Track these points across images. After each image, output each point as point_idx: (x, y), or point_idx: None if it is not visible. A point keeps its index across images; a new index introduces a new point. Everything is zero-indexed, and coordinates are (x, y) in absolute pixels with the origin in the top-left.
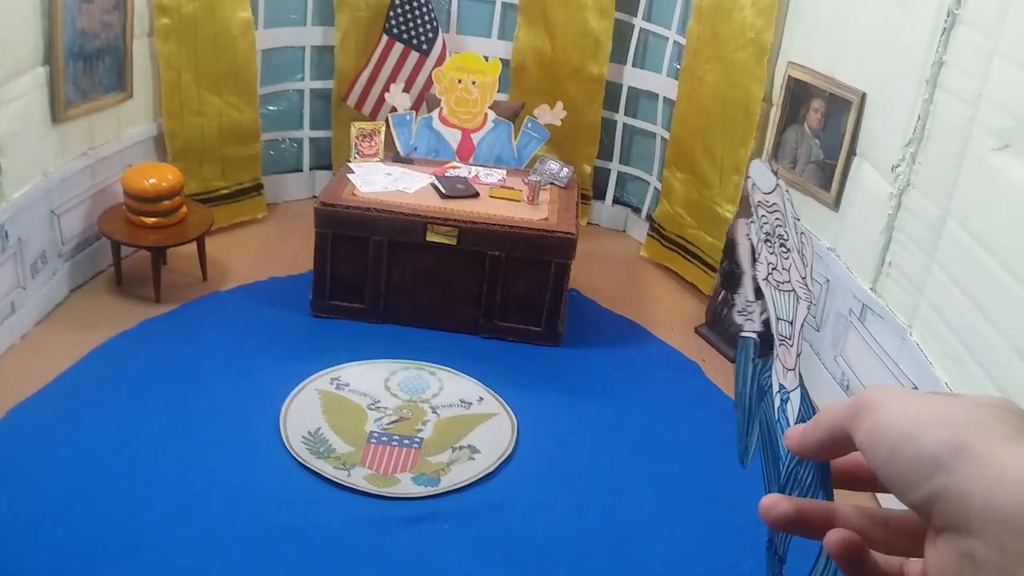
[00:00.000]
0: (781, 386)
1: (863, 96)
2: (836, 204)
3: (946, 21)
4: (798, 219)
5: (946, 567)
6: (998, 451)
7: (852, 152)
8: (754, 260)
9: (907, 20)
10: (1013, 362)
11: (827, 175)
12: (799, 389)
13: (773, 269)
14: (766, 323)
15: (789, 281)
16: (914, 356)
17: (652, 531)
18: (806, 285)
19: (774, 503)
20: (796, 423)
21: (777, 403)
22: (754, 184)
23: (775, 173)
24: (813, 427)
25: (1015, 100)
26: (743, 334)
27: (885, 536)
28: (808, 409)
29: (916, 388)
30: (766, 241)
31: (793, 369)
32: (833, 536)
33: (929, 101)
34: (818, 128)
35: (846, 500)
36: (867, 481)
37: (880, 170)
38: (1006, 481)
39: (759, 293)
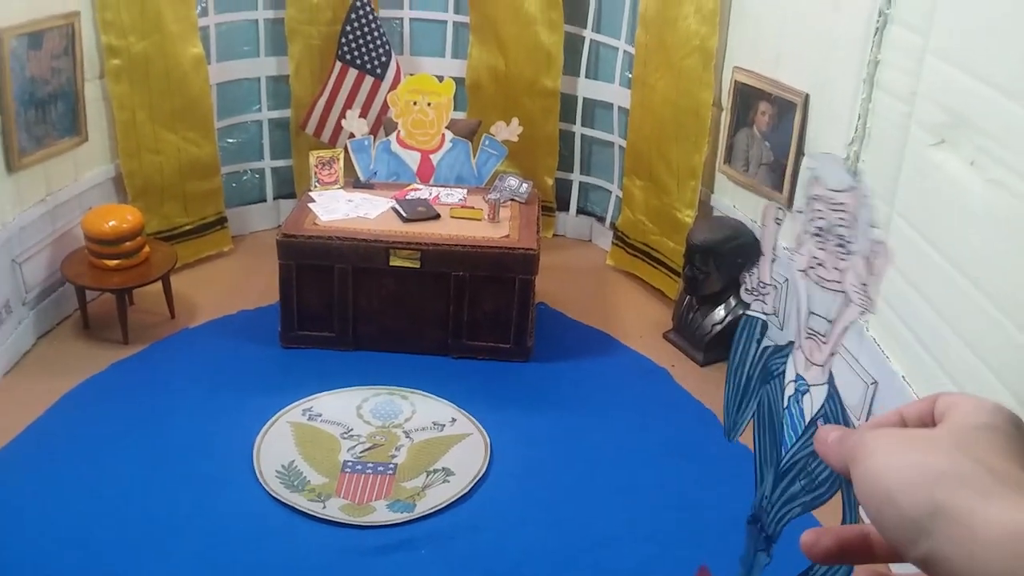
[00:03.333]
0: (799, 377)
1: (806, 97)
2: (789, 204)
3: (878, 21)
4: (875, 227)
5: None
6: (973, 508)
7: (801, 152)
8: (781, 247)
9: (841, 21)
10: (962, 353)
11: (778, 176)
12: (826, 387)
13: (819, 264)
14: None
15: (841, 282)
16: (872, 351)
17: (626, 539)
18: (866, 292)
19: (815, 540)
20: (815, 419)
21: (790, 391)
22: (818, 178)
23: (855, 175)
24: (838, 448)
25: (947, 95)
26: (749, 312)
27: None
28: (835, 408)
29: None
30: (816, 235)
31: (822, 366)
32: (862, 572)
33: (868, 100)
34: (767, 130)
35: None
36: None
37: None
38: (987, 543)
39: (774, 277)
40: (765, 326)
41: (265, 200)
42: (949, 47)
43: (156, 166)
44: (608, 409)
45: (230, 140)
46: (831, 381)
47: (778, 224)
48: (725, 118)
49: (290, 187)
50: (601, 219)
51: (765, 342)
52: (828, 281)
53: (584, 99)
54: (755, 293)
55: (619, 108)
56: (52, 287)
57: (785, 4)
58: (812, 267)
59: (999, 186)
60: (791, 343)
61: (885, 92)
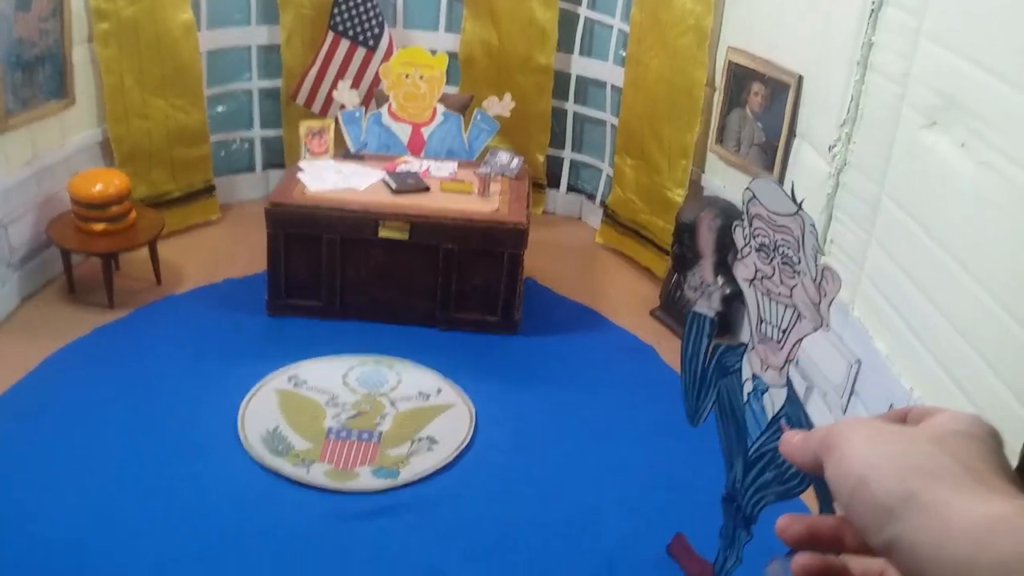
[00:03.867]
0: (756, 377)
1: (800, 78)
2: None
3: (874, 2)
4: (821, 254)
5: None
6: (946, 500)
7: (792, 134)
8: (720, 253)
9: (836, 3)
10: (948, 334)
11: (769, 157)
12: (786, 390)
13: (763, 277)
14: (727, 305)
15: (790, 297)
16: (857, 331)
17: (609, 514)
18: (818, 311)
19: (788, 524)
20: (777, 418)
21: (748, 388)
22: (755, 197)
23: (798, 204)
24: (803, 446)
25: (940, 78)
26: (699, 310)
27: None
28: (796, 412)
29: (857, 363)
30: (759, 250)
31: (780, 370)
32: (799, 559)
33: (861, 82)
34: (760, 111)
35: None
36: None
37: (819, 150)
38: (954, 533)
39: (719, 275)
40: (713, 322)
41: (254, 170)
42: (943, 30)
43: (144, 132)
44: (594, 385)
45: (220, 108)
46: (790, 385)
47: (713, 233)
48: (718, 98)
49: (279, 157)
50: (591, 197)
51: (713, 338)
52: (776, 294)
53: (577, 76)
54: (699, 291)
55: (612, 86)
56: (37, 249)
57: None
58: (758, 279)
59: (990, 169)
60: (744, 344)
61: (878, 74)
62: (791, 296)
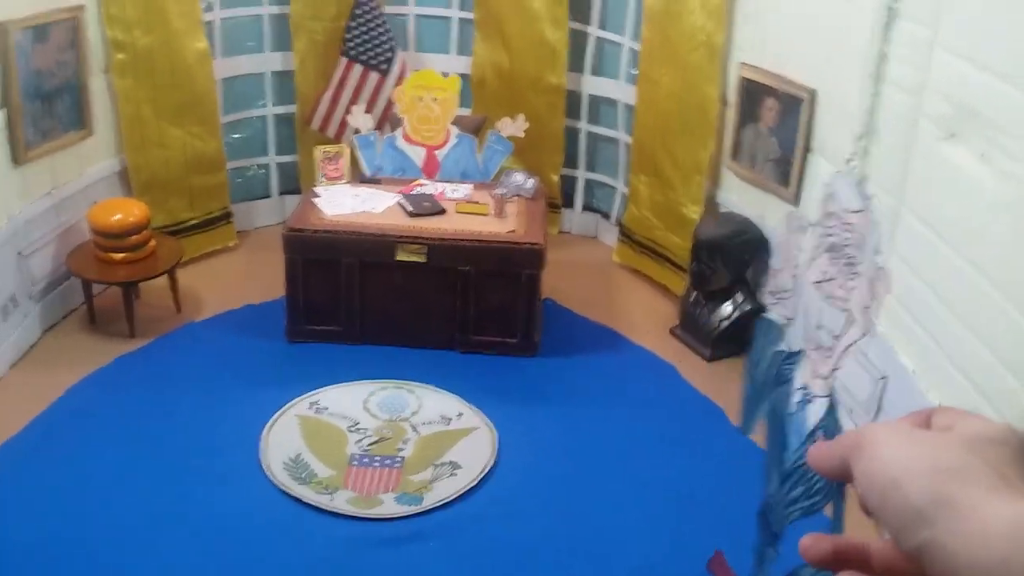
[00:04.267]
0: (806, 386)
1: (813, 93)
2: (796, 200)
3: (886, 15)
4: (879, 252)
5: None
6: (980, 502)
7: (807, 148)
8: (801, 255)
9: (849, 16)
10: (974, 347)
11: (785, 172)
12: (828, 400)
13: (829, 279)
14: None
15: (847, 301)
16: (881, 346)
17: (634, 533)
18: (867, 314)
19: (814, 542)
20: (815, 430)
21: (797, 398)
22: (834, 195)
23: (868, 198)
24: (830, 452)
25: (956, 89)
26: (769, 316)
27: (917, 570)
28: (832, 423)
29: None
30: (828, 251)
31: (826, 379)
32: None
33: (876, 95)
34: (774, 126)
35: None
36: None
37: (835, 164)
38: (988, 536)
39: (797, 283)
40: (781, 329)
41: (270, 195)
42: (958, 40)
43: (162, 160)
44: (616, 404)
45: (235, 135)
46: (833, 397)
47: (799, 232)
48: (731, 114)
49: (295, 182)
50: (606, 215)
51: (781, 346)
52: (836, 299)
53: (589, 96)
54: (775, 297)
55: (624, 105)
56: (58, 280)
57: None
58: (823, 281)
59: (1010, 178)
60: (801, 351)
61: (893, 86)
62: (848, 299)
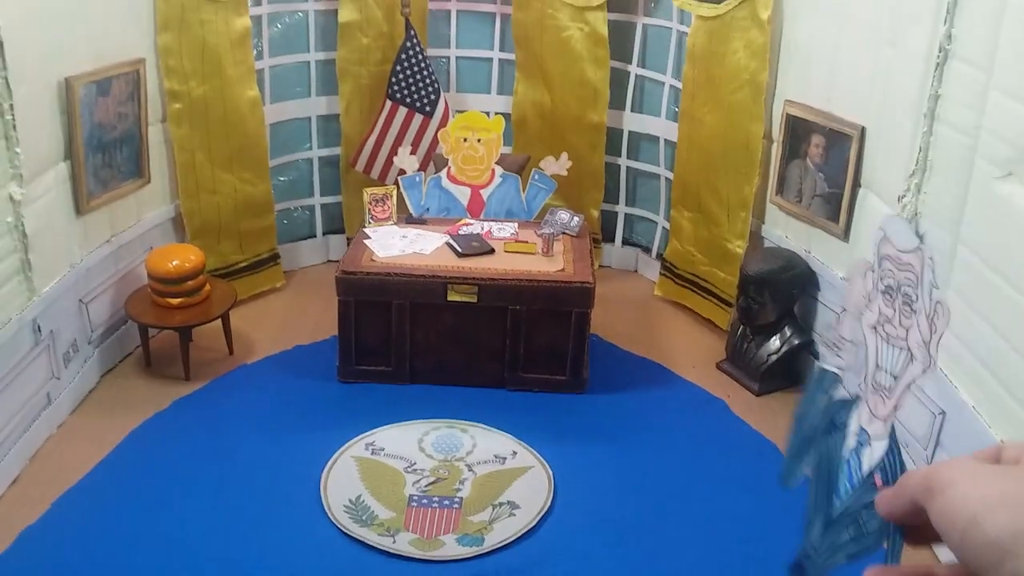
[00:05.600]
0: (862, 430)
1: (863, 130)
2: (846, 235)
3: (938, 56)
4: (936, 288)
5: None
6: None
7: (857, 184)
8: (865, 303)
9: (898, 57)
10: None
11: (834, 207)
12: (887, 441)
13: (886, 321)
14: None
15: (905, 339)
16: (939, 382)
17: (695, 573)
18: (928, 351)
19: (880, 573)
20: (872, 471)
21: (852, 444)
22: (886, 237)
23: (920, 237)
24: (896, 495)
25: (1013, 131)
26: (824, 365)
27: None
28: (895, 462)
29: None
30: (885, 292)
31: (884, 420)
32: None
33: (929, 133)
34: (820, 162)
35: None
36: None
37: (886, 200)
38: None
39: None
40: (836, 378)
41: (315, 236)
42: (1014, 82)
43: (213, 206)
44: (667, 440)
45: (281, 178)
46: (893, 435)
47: (864, 282)
48: (776, 150)
49: (339, 223)
50: (647, 250)
51: (833, 395)
52: (894, 338)
53: (630, 132)
54: (836, 346)
55: (665, 141)
56: (116, 325)
57: (837, 39)
58: (881, 323)
59: None
60: (857, 397)
61: (947, 126)
62: (907, 338)
